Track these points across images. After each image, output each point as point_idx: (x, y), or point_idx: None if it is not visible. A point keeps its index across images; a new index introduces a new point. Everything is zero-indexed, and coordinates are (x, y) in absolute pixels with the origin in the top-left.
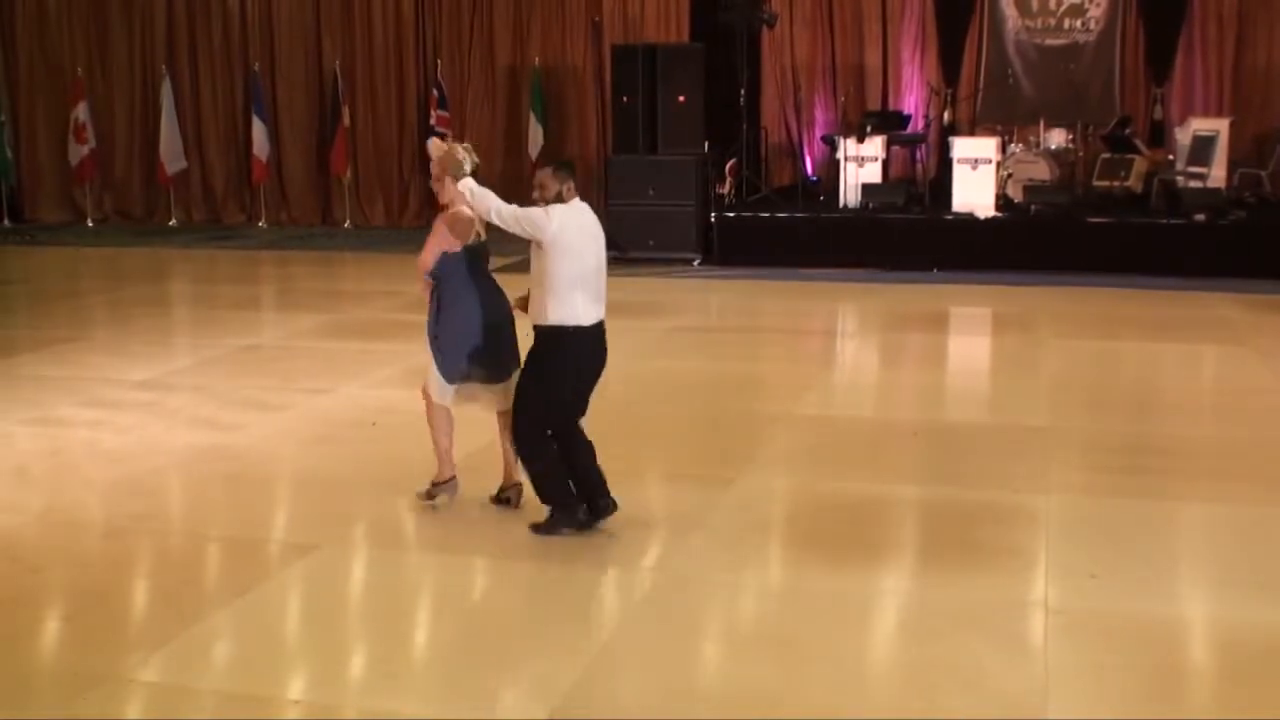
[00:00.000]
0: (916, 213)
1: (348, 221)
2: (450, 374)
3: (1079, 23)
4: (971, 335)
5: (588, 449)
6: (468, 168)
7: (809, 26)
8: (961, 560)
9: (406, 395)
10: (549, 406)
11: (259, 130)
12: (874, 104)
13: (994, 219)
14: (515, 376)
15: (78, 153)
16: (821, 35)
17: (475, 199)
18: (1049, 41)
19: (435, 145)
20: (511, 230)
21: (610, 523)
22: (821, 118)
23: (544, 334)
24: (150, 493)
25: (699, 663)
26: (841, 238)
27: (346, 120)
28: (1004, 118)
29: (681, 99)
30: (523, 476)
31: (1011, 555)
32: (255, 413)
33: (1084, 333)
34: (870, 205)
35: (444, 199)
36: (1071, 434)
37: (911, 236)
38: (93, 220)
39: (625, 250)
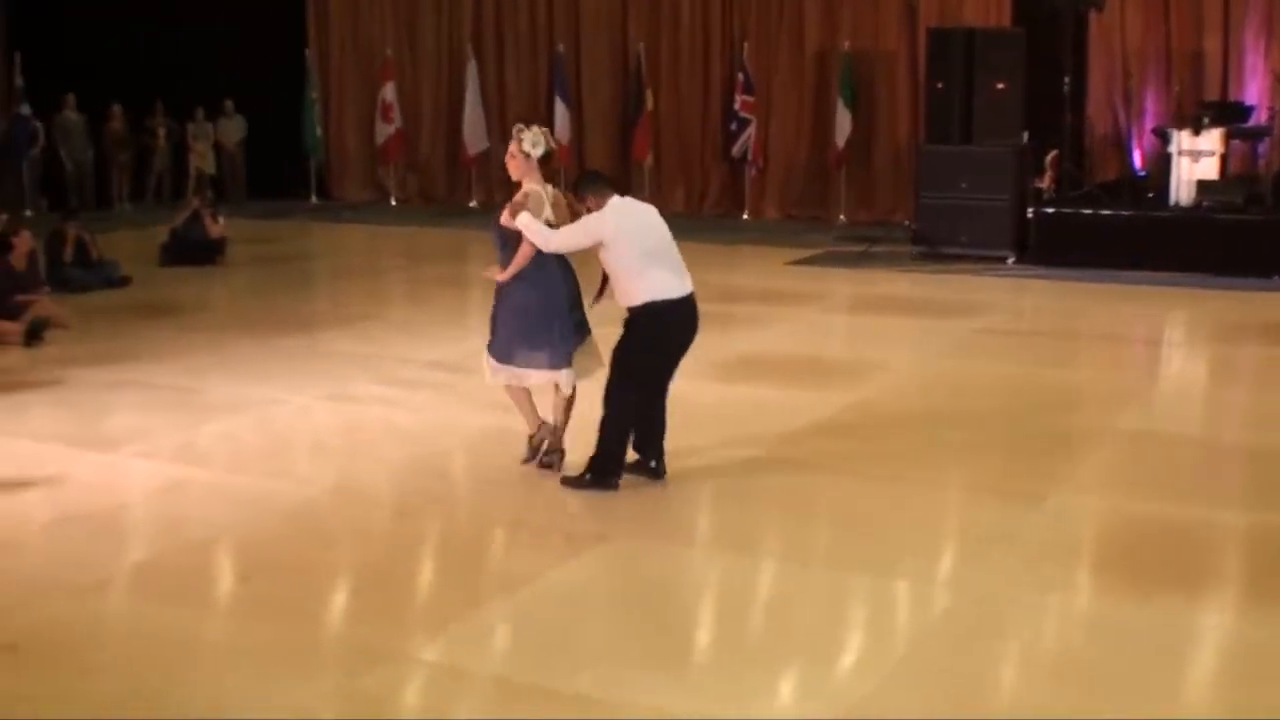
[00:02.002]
0: (1257, 213)
1: None
2: (500, 354)
3: None
4: None
5: (661, 422)
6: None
7: (1142, 9)
8: None
9: (690, 387)
10: (639, 372)
11: (561, 113)
12: (1212, 94)
13: None
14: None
15: (384, 132)
16: (1155, 19)
17: (531, 235)
18: None
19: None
20: (579, 247)
21: (910, 534)
22: (1153, 108)
23: (637, 312)
24: (440, 473)
25: (994, 686)
26: (1171, 239)
27: (650, 104)
28: None
29: (1000, 86)
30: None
31: None
32: (546, 398)
33: None
34: (1205, 204)
35: (515, 176)
36: None
37: (1250, 239)
38: (396, 199)
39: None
